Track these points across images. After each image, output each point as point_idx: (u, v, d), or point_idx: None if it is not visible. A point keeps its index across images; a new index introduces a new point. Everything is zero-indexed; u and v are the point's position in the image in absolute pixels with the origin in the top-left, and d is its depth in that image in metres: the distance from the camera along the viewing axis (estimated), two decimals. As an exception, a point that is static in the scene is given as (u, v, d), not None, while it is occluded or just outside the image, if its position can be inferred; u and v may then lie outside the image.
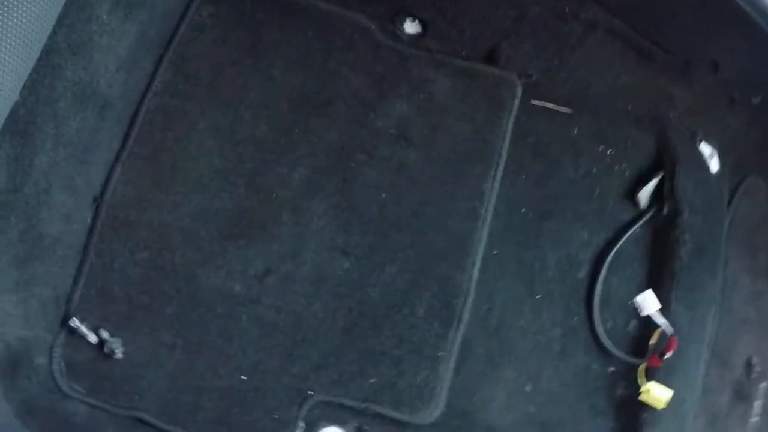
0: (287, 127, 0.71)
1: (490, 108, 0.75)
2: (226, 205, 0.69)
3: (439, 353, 0.68)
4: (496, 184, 0.73)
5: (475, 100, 0.75)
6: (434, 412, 0.67)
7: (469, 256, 0.70)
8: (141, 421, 0.64)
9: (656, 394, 0.70)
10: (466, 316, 0.69)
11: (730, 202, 0.86)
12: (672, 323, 0.74)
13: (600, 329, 0.74)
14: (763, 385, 0.89)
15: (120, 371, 0.65)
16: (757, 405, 0.88)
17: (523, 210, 0.75)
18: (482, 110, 0.75)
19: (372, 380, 0.67)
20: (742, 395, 0.86)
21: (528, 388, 0.72)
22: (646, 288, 0.77)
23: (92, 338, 0.66)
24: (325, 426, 0.67)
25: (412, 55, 0.75)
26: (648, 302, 0.72)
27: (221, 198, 0.69)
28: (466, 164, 0.73)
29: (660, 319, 0.72)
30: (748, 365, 0.86)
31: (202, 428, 0.65)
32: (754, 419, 0.88)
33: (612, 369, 0.75)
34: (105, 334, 0.66)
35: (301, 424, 0.66)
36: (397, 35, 0.76)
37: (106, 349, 0.66)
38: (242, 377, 0.66)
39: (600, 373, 0.74)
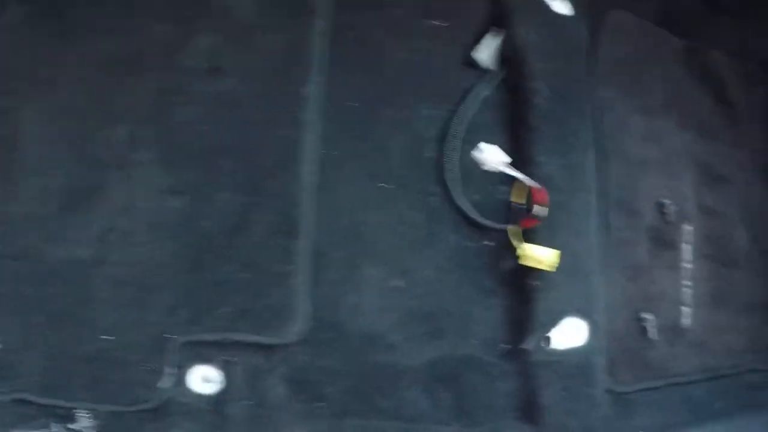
0: (103, 92, 0.71)
1: (299, 15, 0.73)
2: (59, 180, 0.70)
3: (289, 267, 0.66)
4: (316, 86, 0.70)
5: (283, 11, 0.73)
6: (297, 328, 0.65)
7: (301, 163, 0.68)
8: (23, 401, 0.67)
9: (535, 254, 0.65)
10: (308, 225, 0.67)
11: (597, 41, 0.79)
12: (545, 177, 0.69)
13: (463, 202, 0.70)
14: (687, 227, 0.81)
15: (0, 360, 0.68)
16: (687, 249, 0.80)
17: (356, 104, 0.72)
18: (291, 17, 0.73)
19: (225, 310, 0.65)
20: (664, 242, 0.79)
21: (400, 283, 0.69)
22: (510, 152, 0.72)
23: (-32, 336, 0.69)
24: (194, 367, 0.67)
25: (211, -12, 0.74)
26: (489, 155, 0.66)
27: (54, 176, 0.70)
28: (282, 75, 0.71)
29: (514, 172, 0.66)
30: (660, 208, 0.79)
31: (80, 395, 0.65)
32: (687, 265, 0.80)
33: (489, 243, 0.70)
34: (-22, 330, 0.69)
35: (169, 369, 0.66)
36: (196, -25, 0.76)
37: (-18, 343, 0.69)
38: (106, 338, 0.67)
39: (477, 249, 0.70)
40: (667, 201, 0.79)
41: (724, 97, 0.89)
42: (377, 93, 0.73)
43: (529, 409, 0.68)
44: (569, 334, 0.70)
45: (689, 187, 0.86)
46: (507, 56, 0.74)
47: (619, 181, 0.77)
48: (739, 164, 0.91)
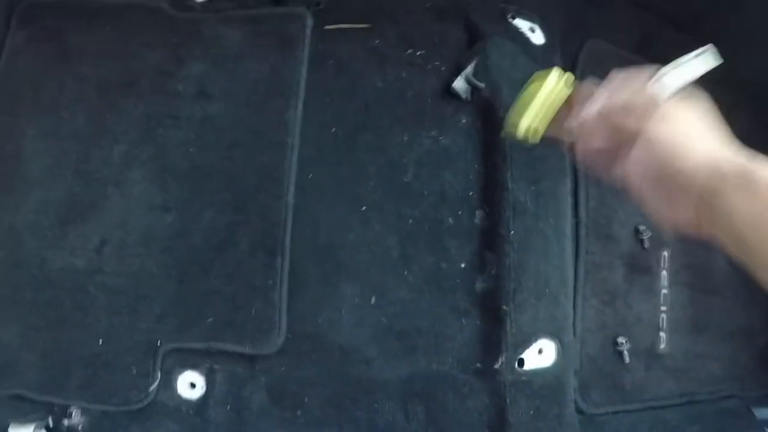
0: (100, 114, 0.77)
1: (282, 44, 0.77)
2: (59, 194, 0.75)
3: (269, 282, 0.69)
4: (299, 113, 0.74)
5: (267, 41, 0.78)
6: (277, 340, 0.69)
7: (282, 184, 0.72)
8: (20, 397, 0.71)
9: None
10: (288, 243, 0.71)
11: (574, 70, 0.81)
12: (516, 202, 0.71)
13: (442, 225, 0.72)
14: (664, 253, 0.82)
15: (-2, 359, 0.73)
16: (664, 276, 0.81)
17: (333, 129, 0.76)
18: (275, 48, 0.77)
19: (210, 319, 0.70)
20: (640, 267, 0.81)
21: (373, 301, 0.72)
22: (484, 177, 0.74)
23: (-29, 336, 0.75)
24: (181, 372, 0.71)
25: (203, 18, 0.79)
26: None
27: (55, 190, 0.75)
28: (266, 101, 0.75)
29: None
30: (637, 234, 0.80)
31: (73, 394, 0.70)
32: (664, 291, 0.81)
33: (464, 265, 0.73)
34: (-20, 331, 0.75)
35: (158, 374, 0.70)
36: (188, 6, 0.80)
37: (-17, 343, 0.74)
38: (100, 342, 0.71)
39: (452, 271, 0.73)
40: (643, 227, 0.80)
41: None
42: (355, 119, 0.76)
43: (498, 426, 0.69)
44: (539, 354, 0.72)
45: (669, 213, 0.87)
46: (481, 85, 0.76)
47: (594, 207, 0.79)
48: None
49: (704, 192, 0.39)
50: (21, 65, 0.80)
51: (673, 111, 0.42)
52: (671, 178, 0.41)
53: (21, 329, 0.73)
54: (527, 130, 0.51)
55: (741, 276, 0.88)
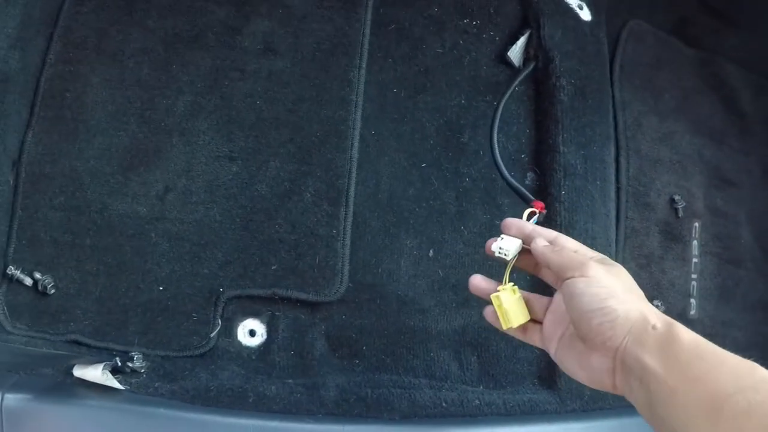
0: (166, 65, 0.78)
1: (345, 7, 0.80)
2: (123, 141, 0.76)
3: (333, 231, 0.72)
4: (363, 72, 0.77)
5: (331, 3, 0.80)
6: (339, 288, 0.71)
7: (347, 139, 0.74)
8: (77, 342, 0.71)
9: (505, 304, 0.49)
10: (352, 194, 0.73)
11: (616, 47, 0.86)
12: (566, 164, 0.75)
13: (496, 183, 0.76)
14: (695, 224, 0.87)
15: (55, 304, 0.73)
16: (695, 245, 0.86)
17: (395, 90, 0.79)
18: (338, 11, 0.80)
19: (274, 267, 0.71)
20: (673, 235, 0.85)
21: (431, 253, 0.74)
22: (536, 141, 0.78)
23: (28, 281, 0.74)
24: (241, 319, 0.72)
25: (268, -21, 0.82)
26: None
27: (119, 137, 0.76)
28: (331, 59, 0.78)
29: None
30: (672, 204, 0.85)
31: (131, 340, 0.71)
32: (695, 260, 0.86)
33: (515, 221, 0.76)
34: (38, 275, 0.74)
35: (219, 321, 0.71)
36: (253, -34, 0.83)
37: (40, 288, 0.74)
38: (160, 288, 0.72)
39: (504, 228, 0.76)
40: (677, 197, 0.85)
41: (734, 106, 0.96)
42: (415, 82, 0.79)
43: (547, 375, 0.72)
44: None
45: (699, 188, 0.92)
46: (535, 55, 0.81)
47: (634, 175, 0.83)
48: (746, 169, 0.97)
49: (632, 333, 0.38)
50: (85, 14, 0.81)
51: (597, 272, 0.41)
52: (594, 328, 0.39)
53: (79, 274, 0.73)
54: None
55: (763, 251, 0.94)
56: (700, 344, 0.36)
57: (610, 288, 0.40)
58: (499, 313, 0.49)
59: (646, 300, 0.42)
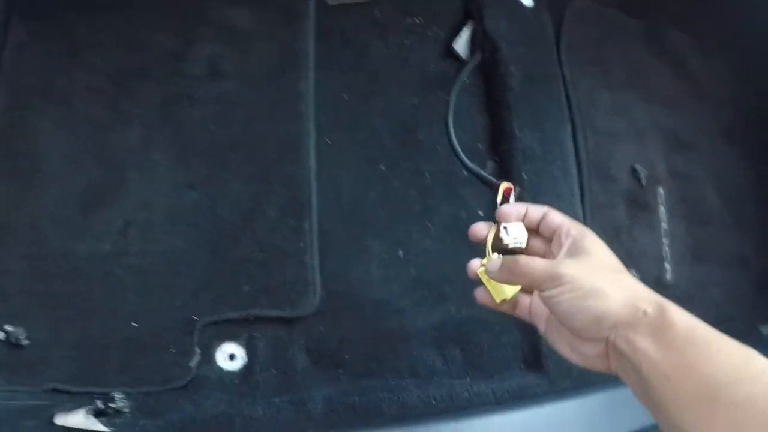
0: (115, 101, 0.78)
1: (288, 21, 0.81)
2: (79, 183, 0.75)
3: (300, 244, 0.71)
4: (312, 83, 0.77)
5: (274, 18, 0.81)
6: (313, 300, 0.71)
7: (304, 151, 0.74)
8: (56, 390, 0.70)
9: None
10: (315, 205, 0.73)
11: (561, 28, 0.88)
12: (524, 149, 0.76)
13: (457, 176, 0.76)
14: (660, 190, 0.88)
15: (30, 355, 0.71)
16: (663, 211, 0.87)
17: (347, 97, 0.79)
18: (282, 25, 0.80)
19: (246, 288, 0.71)
20: (640, 204, 0.86)
21: (400, 254, 0.75)
22: (491, 129, 0.79)
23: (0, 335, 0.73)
24: (219, 345, 0.72)
25: (209, 3, 0.82)
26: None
27: (74, 178, 0.75)
28: (280, 75, 0.78)
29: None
30: (634, 174, 0.86)
31: (111, 381, 0.70)
32: (664, 225, 0.87)
33: (481, 212, 0.77)
34: (9, 328, 0.73)
35: (197, 349, 0.70)
36: (193, -9, 0.83)
37: (12, 340, 0.73)
38: (134, 324, 0.71)
39: (471, 218, 0.76)
40: (638, 167, 0.86)
41: (683, 72, 0.98)
42: (365, 86, 0.80)
43: (533, 359, 0.73)
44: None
45: (659, 154, 0.94)
46: (481, 45, 0.82)
47: (593, 150, 0.84)
48: (703, 131, 0.99)
49: (620, 324, 0.37)
50: (27, 61, 0.80)
51: (568, 273, 0.40)
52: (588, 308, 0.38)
53: (51, 322, 0.72)
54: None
55: (731, 206, 0.96)
56: (694, 328, 0.35)
57: (585, 287, 0.39)
58: (489, 287, 0.47)
59: (627, 274, 0.41)
